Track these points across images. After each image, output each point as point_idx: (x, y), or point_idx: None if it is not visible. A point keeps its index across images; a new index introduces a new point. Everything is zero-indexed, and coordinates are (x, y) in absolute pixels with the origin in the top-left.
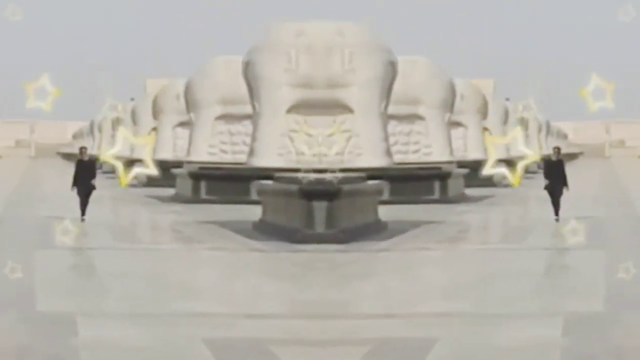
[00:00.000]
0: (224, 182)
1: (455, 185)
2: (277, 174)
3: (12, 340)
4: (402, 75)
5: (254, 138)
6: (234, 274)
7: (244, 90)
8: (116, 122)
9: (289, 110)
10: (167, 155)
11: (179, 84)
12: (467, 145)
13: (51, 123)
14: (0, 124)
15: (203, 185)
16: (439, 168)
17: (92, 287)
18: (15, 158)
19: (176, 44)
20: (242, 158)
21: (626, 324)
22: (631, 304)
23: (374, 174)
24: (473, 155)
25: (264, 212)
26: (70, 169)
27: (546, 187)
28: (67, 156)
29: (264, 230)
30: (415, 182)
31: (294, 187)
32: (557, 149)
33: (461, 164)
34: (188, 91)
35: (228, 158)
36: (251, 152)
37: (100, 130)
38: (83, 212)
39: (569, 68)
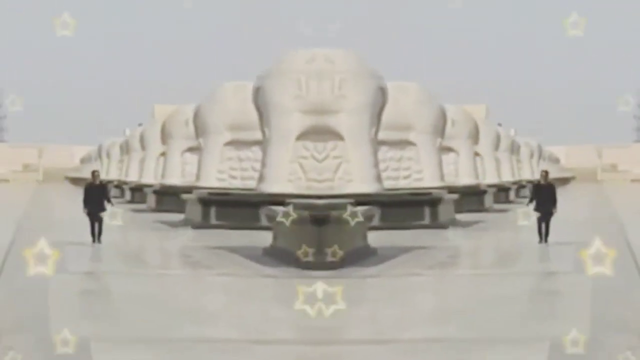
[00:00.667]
0: (234, 208)
1: (445, 211)
2: (288, 200)
3: None
4: (393, 101)
5: (263, 164)
6: (244, 300)
7: (254, 116)
8: (124, 147)
9: (299, 137)
10: (175, 180)
11: (187, 110)
12: (458, 171)
13: (59, 147)
14: (8, 148)
15: (213, 210)
16: (430, 194)
17: (103, 312)
18: (23, 182)
19: (184, 69)
20: (251, 184)
21: (610, 349)
22: (616, 329)
23: (364, 199)
24: (464, 180)
25: (275, 238)
26: (78, 194)
27: (536, 209)
28: (75, 181)
29: (275, 256)
30: (406, 208)
31: (304, 213)
32: (545, 173)
33: (452, 190)
34: (197, 117)
35: (237, 184)
36: (261, 178)
37: (108, 155)
38: (95, 238)
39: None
